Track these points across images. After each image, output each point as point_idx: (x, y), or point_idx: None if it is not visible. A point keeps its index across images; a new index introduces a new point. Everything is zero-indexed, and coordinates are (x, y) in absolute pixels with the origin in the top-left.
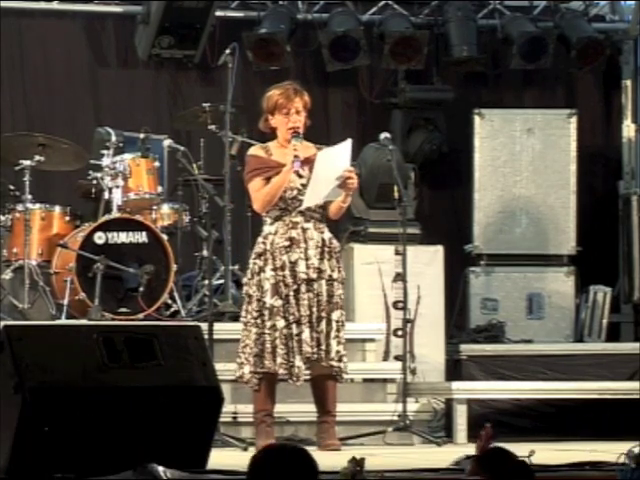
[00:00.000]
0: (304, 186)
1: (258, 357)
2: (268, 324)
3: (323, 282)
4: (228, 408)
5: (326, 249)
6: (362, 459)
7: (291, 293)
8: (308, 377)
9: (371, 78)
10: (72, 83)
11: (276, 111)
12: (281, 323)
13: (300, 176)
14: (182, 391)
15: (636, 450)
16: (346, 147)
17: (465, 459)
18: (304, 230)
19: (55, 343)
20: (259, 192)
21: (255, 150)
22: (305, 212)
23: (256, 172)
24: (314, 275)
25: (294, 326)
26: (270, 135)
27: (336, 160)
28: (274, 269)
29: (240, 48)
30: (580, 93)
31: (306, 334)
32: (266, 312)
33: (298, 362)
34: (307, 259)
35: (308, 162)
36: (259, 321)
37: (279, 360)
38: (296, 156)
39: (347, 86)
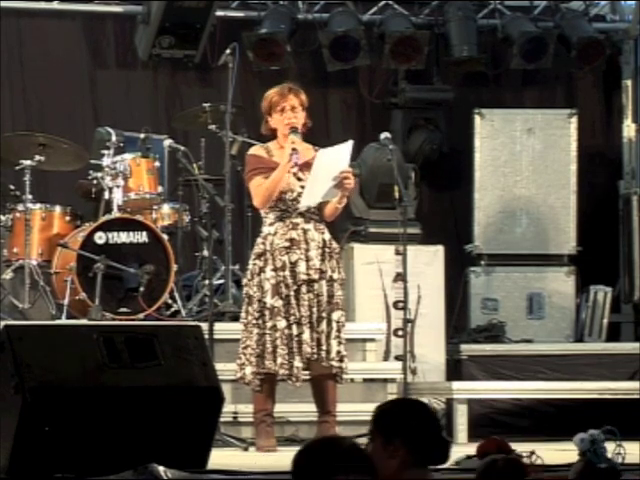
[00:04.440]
0: (304, 188)
1: (260, 358)
2: (269, 324)
3: (323, 283)
4: (228, 408)
5: (327, 250)
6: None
7: (292, 294)
8: (308, 377)
9: (371, 78)
10: (72, 83)
11: (272, 110)
12: (282, 323)
13: (299, 179)
14: (182, 391)
15: None
16: (346, 147)
17: (466, 459)
18: (305, 231)
19: (55, 343)
20: (259, 187)
21: (255, 150)
22: (305, 213)
23: (257, 171)
24: (315, 276)
25: (295, 327)
26: (271, 138)
27: (335, 160)
28: (274, 269)
29: (240, 48)
30: (580, 93)
31: (306, 335)
32: (267, 312)
33: (298, 363)
34: (308, 260)
35: (308, 166)
36: (260, 322)
37: (279, 360)
38: (294, 149)
39: (347, 86)
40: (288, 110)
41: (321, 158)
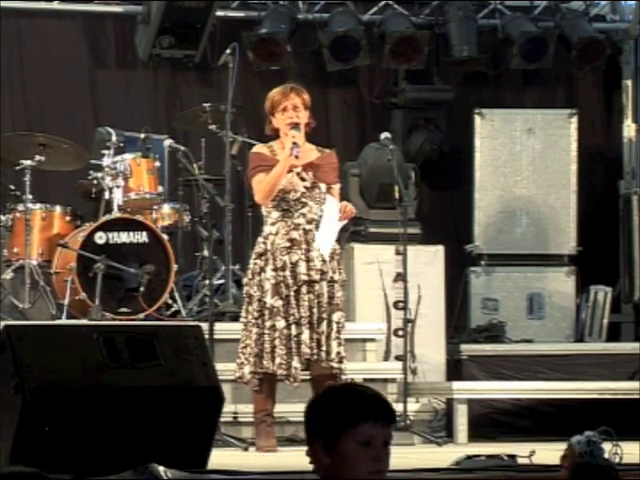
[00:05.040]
0: (307, 189)
1: (258, 357)
2: (268, 324)
3: (324, 283)
4: (228, 408)
5: None
6: None
7: (292, 294)
8: (308, 377)
9: (371, 78)
10: (72, 83)
11: (275, 110)
12: (281, 323)
13: (303, 179)
14: (182, 391)
15: None
16: (329, 202)
17: (466, 459)
18: (306, 232)
19: (55, 343)
20: (260, 183)
21: (259, 148)
22: (307, 214)
23: (259, 168)
24: (316, 276)
25: (294, 327)
26: (274, 138)
27: (329, 212)
28: (275, 269)
29: (240, 48)
30: (580, 93)
31: (306, 335)
32: (266, 312)
33: (296, 363)
34: (309, 260)
35: (311, 167)
36: (260, 321)
37: (278, 360)
38: (294, 143)
39: (347, 86)
40: (290, 109)
41: (319, 232)
